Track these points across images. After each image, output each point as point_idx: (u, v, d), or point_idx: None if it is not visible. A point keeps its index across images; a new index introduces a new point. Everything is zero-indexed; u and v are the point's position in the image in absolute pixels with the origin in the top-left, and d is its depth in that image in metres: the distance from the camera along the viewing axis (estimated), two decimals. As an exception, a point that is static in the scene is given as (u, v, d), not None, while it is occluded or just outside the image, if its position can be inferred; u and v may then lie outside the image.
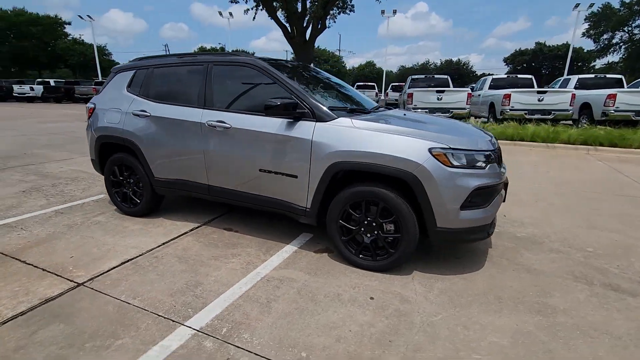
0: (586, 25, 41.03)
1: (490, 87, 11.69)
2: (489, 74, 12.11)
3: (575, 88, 10.86)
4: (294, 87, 2.75)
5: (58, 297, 2.29)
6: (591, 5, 27.89)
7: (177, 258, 2.82)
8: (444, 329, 2.02)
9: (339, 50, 55.46)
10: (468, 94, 10.38)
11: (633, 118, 9.14)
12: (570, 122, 10.55)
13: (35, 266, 2.66)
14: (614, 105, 9.20)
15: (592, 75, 12.02)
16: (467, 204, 2.37)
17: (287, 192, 2.81)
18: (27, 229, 3.37)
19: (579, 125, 9.97)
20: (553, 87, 12.23)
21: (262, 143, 2.80)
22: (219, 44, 36.71)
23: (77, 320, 2.07)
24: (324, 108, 2.66)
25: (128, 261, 2.76)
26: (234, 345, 1.88)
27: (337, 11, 17.14)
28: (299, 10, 13.02)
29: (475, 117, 12.37)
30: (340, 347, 1.87)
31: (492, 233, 2.64)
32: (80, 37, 41.26)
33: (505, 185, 2.80)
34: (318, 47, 46.72)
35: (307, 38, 13.24)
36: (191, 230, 3.39)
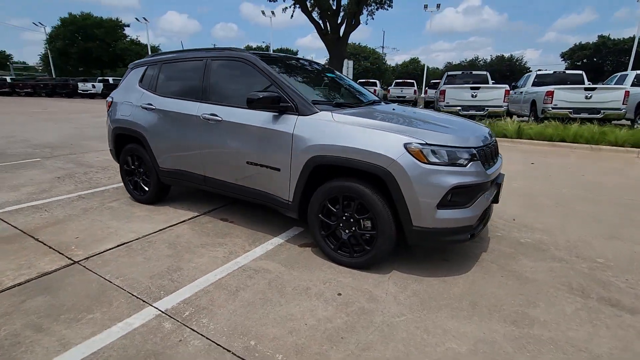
0: (661, 16, 36.63)
1: (534, 84, 10.88)
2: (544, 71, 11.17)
3: (633, 85, 9.79)
4: (280, 81, 2.77)
5: (53, 272, 2.51)
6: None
7: (168, 244, 2.97)
8: (403, 330, 1.95)
9: (382, 47, 54.50)
10: (505, 91, 9.75)
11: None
12: (627, 122, 9.56)
13: (44, 244, 2.94)
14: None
15: (655, 71, 10.76)
16: (445, 203, 2.26)
17: (271, 185, 2.85)
18: (49, 210, 3.72)
19: (635, 126, 9.00)
20: (608, 84, 11.13)
21: (249, 136, 2.86)
22: (263, 42, 37.69)
23: (62, 293, 2.26)
24: (306, 102, 2.65)
25: (123, 244, 2.96)
26: (190, 328, 1.95)
27: (376, 7, 16.89)
28: (334, 7, 13.00)
29: (518, 117, 11.62)
30: (291, 339, 1.88)
31: (476, 235, 2.48)
32: (137, 38, 44.57)
33: (498, 185, 2.62)
34: (358, 44, 46.25)
35: (341, 35, 13.18)
36: (190, 218, 3.55)
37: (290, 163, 2.65)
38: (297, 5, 13.14)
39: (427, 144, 2.23)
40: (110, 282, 2.39)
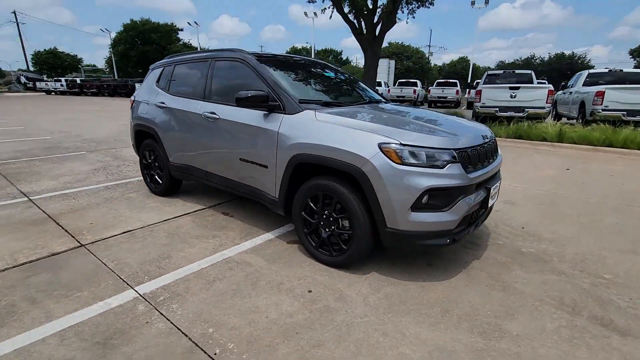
0: None
1: (585, 84, 9.98)
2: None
3: None
4: (270, 80, 2.84)
5: (61, 253, 2.79)
6: None
7: (167, 234, 3.16)
8: (360, 332, 1.93)
9: (429, 46, 52.77)
10: (549, 91, 9.04)
11: None
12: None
13: (62, 227, 3.26)
14: None
15: None
16: (420, 206, 2.19)
17: (261, 182, 2.92)
18: (77, 198, 4.11)
19: None
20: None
21: (241, 133, 2.96)
22: (307, 43, 38.24)
23: (62, 272, 2.50)
24: (292, 100, 2.69)
25: (128, 232, 3.19)
26: (159, 312, 2.08)
27: (417, 5, 16.44)
28: (370, 6, 12.86)
29: (568, 119, 10.75)
30: (247, 330, 1.93)
31: (459, 240, 2.37)
32: (189, 41, 47.28)
33: (488, 189, 2.47)
34: (401, 43, 45.16)
35: (377, 34, 13.00)
36: (195, 211, 3.74)
37: (276, 161, 2.71)
38: (334, 6, 13.17)
39: (401, 144, 2.18)
40: (106, 265, 2.61)
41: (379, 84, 23.66)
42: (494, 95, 9.46)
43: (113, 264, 2.62)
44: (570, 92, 10.49)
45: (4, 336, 1.86)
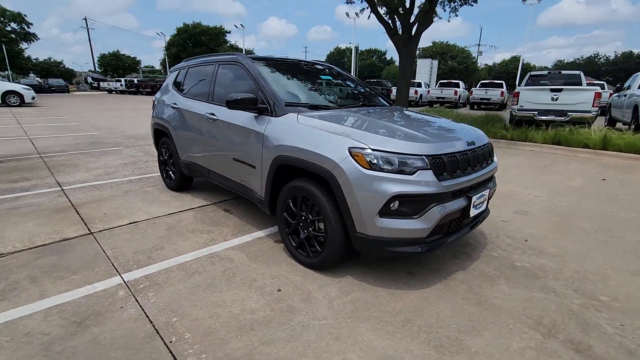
0: None
1: (643, 86, 9.02)
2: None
3: None
4: (261, 83, 2.92)
5: (71, 239, 3.08)
6: None
7: (167, 227, 3.37)
8: (314, 334, 1.95)
9: (479, 45, 50.30)
10: (596, 93, 8.28)
11: None
12: None
13: (80, 216, 3.60)
14: None
15: None
16: (388, 212, 2.15)
17: (250, 181, 3.02)
18: (101, 190, 4.49)
19: None
20: None
21: (235, 134, 3.08)
22: (349, 43, 38.15)
23: (66, 256, 2.77)
24: (278, 103, 2.76)
25: (133, 223, 3.45)
26: (135, 298, 2.24)
27: (459, 3, 15.80)
28: (407, 5, 12.58)
29: (624, 124, 9.78)
30: (207, 322, 2.03)
31: (433, 249, 2.30)
32: (235, 43, 49.21)
33: (469, 198, 2.36)
34: (446, 42, 43.37)
35: (413, 33, 12.69)
36: (199, 207, 3.94)
37: (262, 161, 2.79)
38: (369, 7, 13.06)
39: (370, 149, 2.16)
40: (104, 252, 2.85)
41: (419, 85, 23.07)
42: (533, 98, 8.86)
43: (111, 251, 2.85)
44: (625, 95, 9.53)
45: (4, 308, 2.11)
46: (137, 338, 1.89)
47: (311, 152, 2.35)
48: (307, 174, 2.50)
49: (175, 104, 4.01)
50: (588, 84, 10.22)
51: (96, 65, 59.30)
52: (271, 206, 2.86)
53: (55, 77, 43.59)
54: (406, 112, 3.24)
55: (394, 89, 18.75)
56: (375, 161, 2.14)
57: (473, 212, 2.44)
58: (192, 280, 2.47)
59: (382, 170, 2.13)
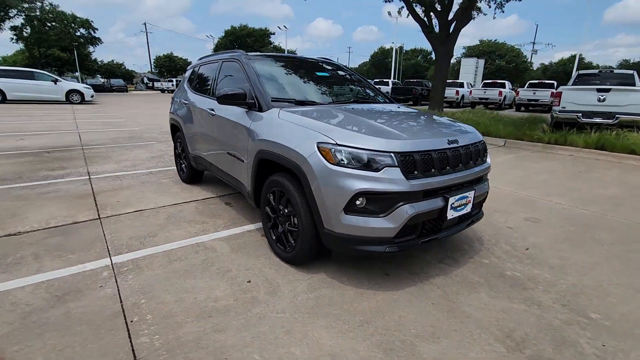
0: None
1: None
2: None
3: None
4: (252, 79, 2.98)
5: (81, 222, 3.35)
6: None
7: (167, 216, 3.55)
8: (267, 325, 1.96)
9: (533, 43, 46.94)
10: (650, 94, 7.40)
11: None
12: None
13: (95, 202, 3.90)
14: None
15: None
16: (354, 209, 2.11)
17: (241, 175, 3.10)
18: (122, 180, 4.83)
19: None
20: None
21: (228, 129, 3.18)
22: (392, 43, 37.43)
23: (71, 237, 3.02)
24: (264, 98, 2.80)
25: (138, 211, 3.67)
26: (116, 279, 2.39)
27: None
28: (445, 2, 12.10)
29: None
30: (170, 306, 2.12)
31: (403, 250, 2.20)
32: (278, 44, 50.36)
33: (446, 199, 2.24)
34: (494, 40, 40.86)
35: (451, 31, 12.18)
36: (204, 199, 4.10)
37: (247, 155, 2.85)
38: (405, 5, 12.75)
39: (337, 144, 2.12)
40: (104, 235, 3.06)
41: (460, 85, 22.12)
42: (577, 98, 8.13)
43: (110, 236, 3.07)
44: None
45: (3, 279, 2.36)
46: (103, 315, 2.02)
47: (285, 147, 2.37)
48: (283, 169, 2.52)
49: (186, 100, 4.21)
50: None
51: (152, 66, 63.52)
52: (256, 200, 2.92)
53: (116, 78, 47.34)
54: (399, 110, 3.13)
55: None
56: (341, 156, 2.11)
57: (452, 215, 2.31)
58: (172, 266, 2.58)
59: (347, 166, 2.09)
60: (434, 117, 3.05)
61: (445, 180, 2.23)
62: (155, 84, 47.32)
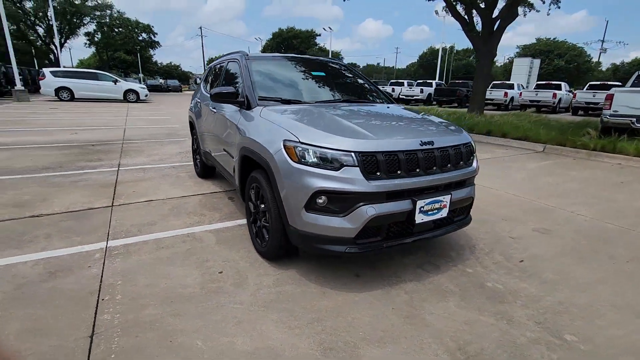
0: None
1: None
2: None
3: None
4: (245, 78, 3.08)
5: (95, 209, 3.67)
6: None
7: (172, 207, 3.77)
8: (221, 314, 2.03)
9: (602, 41, 42.49)
10: None
11: None
12: None
13: (114, 191, 4.24)
14: None
15: None
16: (315, 207, 2.11)
17: (232, 170, 3.21)
18: (146, 172, 5.19)
19: None
20: None
21: (223, 126, 3.31)
22: (442, 42, 36.08)
23: (83, 221, 3.32)
24: (252, 97, 2.87)
25: (148, 201, 3.93)
26: (104, 261, 2.60)
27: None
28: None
29: None
30: (141, 289, 2.26)
31: (365, 252, 2.15)
32: (323, 45, 50.87)
33: (414, 202, 2.15)
34: (553, 38, 37.47)
35: (495, 29, 11.47)
36: (210, 192, 4.29)
37: (236, 151, 2.95)
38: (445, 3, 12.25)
39: (300, 142, 2.13)
40: (111, 222, 3.33)
41: (510, 87, 20.80)
42: (631, 101, 7.30)
43: (115, 222, 3.33)
44: None
45: (13, 253, 2.67)
46: (82, 292, 2.21)
47: (258, 144, 2.42)
48: (259, 165, 2.58)
49: (199, 98, 4.43)
50: None
51: (205, 68, 67.29)
52: (243, 196, 3.01)
53: (172, 79, 50.73)
54: (386, 110, 3.03)
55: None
56: (303, 154, 2.12)
57: (422, 219, 2.21)
58: (158, 253, 2.75)
59: (308, 164, 2.10)
60: (421, 117, 2.93)
61: (413, 183, 2.15)
62: (206, 84, 50.00)
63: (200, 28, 66.34)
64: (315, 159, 2.09)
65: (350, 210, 2.06)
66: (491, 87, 21.15)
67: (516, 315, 2.07)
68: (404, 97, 25.08)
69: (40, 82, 18.44)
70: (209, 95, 4.04)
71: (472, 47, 13.89)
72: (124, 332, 1.87)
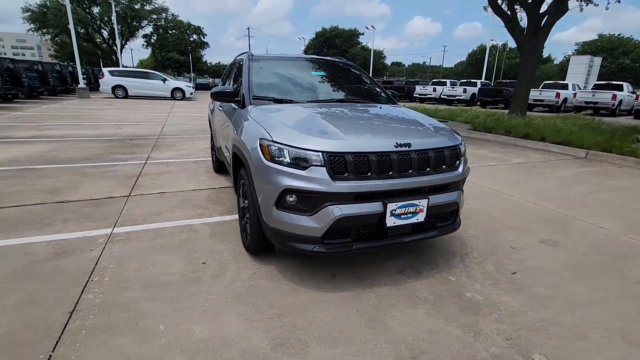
0: None
1: None
2: None
3: None
4: (244, 77, 3.18)
5: (113, 198, 3.98)
6: None
7: (181, 199, 3.98)
8: (189, 302, 2.13)
9: (682, 36, 37.69)
10: None
11: None
12: None
13: (135, 183, 4.57)
14: None
15: None
16: (284, 205, 2.15)
17: (229, 166, 3.33)
18: (169, 166, 5.52)
19: None
20: None
21: (225, 125, 3.44)
22: (492, 40, 34.33)
23: (100, 209, 3.62)
24: (247, 96, 2.96)
25: (161, 192, 4.19)
26: (104, 246, 2.83)
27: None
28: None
29: None
30: (129, 273, 2.44)
31: (332, 252, 2.15)
32: (366, 44, 50.42)
33: (385, 204, 2.10)
34: (619, 35, 33.78)
35: (541, 25, 10.67)
36: (220, 187, 4.47)
37: (230, 148, 3.07)
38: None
39: (273, 140, 2.18)
40: (123, 211, 3.61)
41: (563, 87, 19.27)
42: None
43: (126, 210, 3.60)
44: None
45: (33, 234, 2.98)
46: (78, 272, 2.44)
47: (242, 142, 2.51)
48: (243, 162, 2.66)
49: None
50: None
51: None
52: (236, 191, 3.12)
53: (219, 78, 53.14)
54: (376, 111, 2.97)
55: (531, 91, 15.92)
56: (275, 153, 2.17)
57: (393, 222, 2.16)
58: (155, 241, 2.94)
59: (279, 162, 2.14)
60: (411, 118, 2.84)
61: (383, 185, 2.11)
62: (251, 83, 51.71)
63: (248, 29, 68.63)
64: (285, 157, 2.13)
65: (317, 209, 2.08)
66: (542, 87, 19.75)
67: (486, 329, 1.96)
68: (445, 97, 24.17)
69: (100, 80, 20.17)
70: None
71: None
72: (100, 311, 2.03)
